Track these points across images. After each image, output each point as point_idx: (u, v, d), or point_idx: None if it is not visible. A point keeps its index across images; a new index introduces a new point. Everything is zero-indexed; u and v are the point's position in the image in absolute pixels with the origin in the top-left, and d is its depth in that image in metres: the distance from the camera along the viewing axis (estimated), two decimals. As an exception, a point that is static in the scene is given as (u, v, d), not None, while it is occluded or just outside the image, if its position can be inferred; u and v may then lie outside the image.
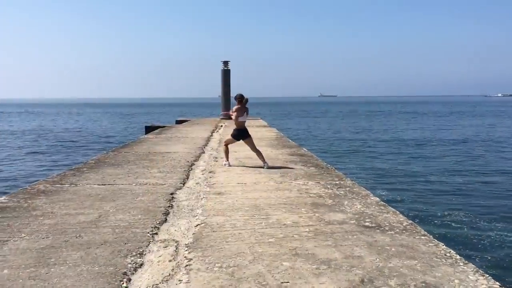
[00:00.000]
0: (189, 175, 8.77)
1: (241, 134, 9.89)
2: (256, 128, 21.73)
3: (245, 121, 9.91)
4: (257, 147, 10.04)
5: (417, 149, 26.80)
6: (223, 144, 10.16)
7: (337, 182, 7.86)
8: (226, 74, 30.07)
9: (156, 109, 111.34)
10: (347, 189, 7.32)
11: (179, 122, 29.68)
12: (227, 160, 9.91)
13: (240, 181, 7.96)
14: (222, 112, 10.59)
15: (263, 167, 9.47)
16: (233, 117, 9.84)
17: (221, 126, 23.42)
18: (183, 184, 7.81)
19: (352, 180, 8.14)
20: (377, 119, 60.78)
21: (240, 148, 13.01)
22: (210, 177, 8.44)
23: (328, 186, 7.51)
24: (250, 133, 10.04)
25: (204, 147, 13.52)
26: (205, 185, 7.70)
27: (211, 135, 17.82)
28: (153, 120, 57.72)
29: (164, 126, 23.85)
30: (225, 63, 30.41)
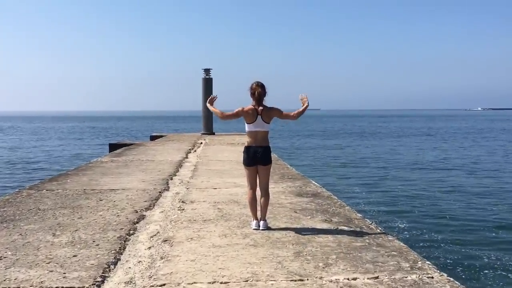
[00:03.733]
0: (123, 250, 4.67)
1: (253, 156, 5.43)
2: (241, 146, 17.67)
3: (260, 132, 5.45)
4: (267, 191, 5.56)
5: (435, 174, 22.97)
6: (248, 188, 5.64)
7: (414, 278, 3.84)
8: (207, 83, 26.04)
9: (137, 123, 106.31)
10: (454, 307, 3.30)
11: (153, 138, 25.52)
12: (255, 219, 5.51)
13: (216, 276, 3.89)
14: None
15: (257, 227, 5.42)
16: (218, 114, 5.65)
17: (200, 143, 19.35)
18: None
19: (437, 270, 4.14)
20: (370, 137, 56.24)
21: (221, 181, 8.96)
22: (161, 259, 4.35)
23: (406, 295, 3.49)
24: (264, 155, 5.44)
25: (171, 179, 9.41)
26: (143, 290, 3.61)
27: (186, 158, 13.72)
28: (129, 135, 52.99)
29: (131, 144, 19.67)
30: (207, 71, 26.41)
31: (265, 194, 5.53)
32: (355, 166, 24.37)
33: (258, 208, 5.53)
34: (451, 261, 9.01)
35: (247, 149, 5.50)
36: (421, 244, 9.88)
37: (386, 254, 4.48)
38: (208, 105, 5.84)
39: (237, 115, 5.53)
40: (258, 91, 5.40)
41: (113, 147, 19.61)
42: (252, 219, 5.51)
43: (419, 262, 4.25)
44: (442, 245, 10.14)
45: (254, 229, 5.38)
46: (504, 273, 8.46)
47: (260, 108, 5.41)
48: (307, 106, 5.59)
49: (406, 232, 10.95)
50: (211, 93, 26.59)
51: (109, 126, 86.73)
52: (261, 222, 5.41)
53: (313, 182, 9.13)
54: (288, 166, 11.79)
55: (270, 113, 5.47)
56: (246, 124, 5.49)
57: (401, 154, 30.94)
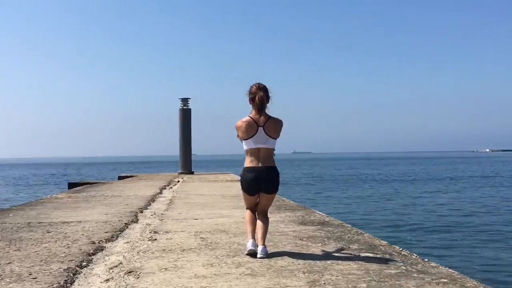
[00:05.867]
0: (71, 285, 3.78)
1: (254, 181, 4.69)
2: (225, 183, 16.92)
3: (263, 149, 4.73)
4: (265, 214, 4.89)
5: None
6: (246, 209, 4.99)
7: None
8: (185, 114, 25.35)
9: (105, 167, 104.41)
10: None
11: (122, 178, 24.54)
12: (251, 238, 4.68)
13: (203, 309, 3.06)
14: None
15: (254, 248, 4.59)
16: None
17: (178, 181, 18.48)
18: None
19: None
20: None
21: (203, 212, 8.14)
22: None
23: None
24: (269, 181, 4.72)
25: (141, 212, 8.53)
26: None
27: (160, 193, 12.85)
28: (97, 176, 51.56)
29: (95, 183, 18.72)
30: (184, 100, 25.76)
31: (264, 218, 4.83)
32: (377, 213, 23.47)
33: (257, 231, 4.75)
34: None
35: (246, 172, 4.75)
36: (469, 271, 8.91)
37: (434, 281, 3.69)
38: None
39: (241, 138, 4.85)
40: (260, 95, 4.70)
41: (73, 186, 18.61)
42: (249, 237, 4.71)
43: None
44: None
45: (249, 249, 4.60)
46: None
47: (262, 117, 4.72)
48: None
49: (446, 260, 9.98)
50: (190, 127, 25.90)
51: (72, 172, 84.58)
52: (260, 248, 4.59)
53: (318, 211, 8.35)
54: (284, 198, 11.01)
55: (276, 125, 4.77)
56: (243, 141, 4.80)
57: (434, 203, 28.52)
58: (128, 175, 26.44)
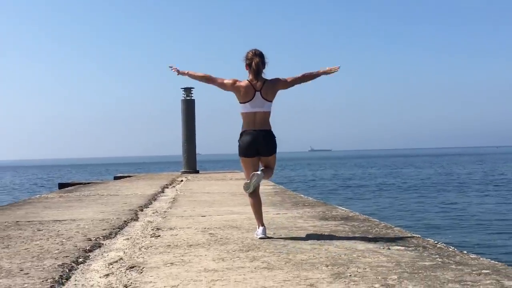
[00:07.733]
0: (66, 281, 3.88)
1: (252, 143, 5.38)
2: (235, 181, 16.97)
3: (260, 112, 5.42)
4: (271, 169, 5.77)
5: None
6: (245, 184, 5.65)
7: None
8: (188, 106, 25.32)
9: (101, 168, 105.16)
10: None
11: (118, 178, 24.75)
12: (261, 225, 5.44)
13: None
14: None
15: (264, 235, 5.36)
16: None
17: (181, 181, 18.58)
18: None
19: None
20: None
21: (211, 210, 8.23)
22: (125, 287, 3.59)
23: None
24: (265, 143, 5.44)
25: (141, 210, 8.62)
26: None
27: (161, 192, 12.96)
28: (90, 178, 51.85)
29: (89, 183, 18.92)
30: (187, 90, 25.70)
31: (269, 170, 5.63)
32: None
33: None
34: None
35: (244, 135, 5.45)
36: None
37: (474, 272, 3.71)
38: (180, 72, 5.83)
39: (223, 85, 5.53)
40: (256, 61, 5.35)
41: (63, 186, 18.83)
42: (258, 225, 5.42)
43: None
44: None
45: (260, 237, 5.27)
46: None
47: (259, 83, 5.39)
48: (327, 72, 5.69)
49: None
50: (194, 118, 25.99)
51: (61, 174, 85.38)
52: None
53: (340, 207, 8.41)
54: (302, 195, 11.07)
55: (274, 88, 5.47)
56: (239, 104, 5.48)
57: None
58: (125, 175, 26.66)
